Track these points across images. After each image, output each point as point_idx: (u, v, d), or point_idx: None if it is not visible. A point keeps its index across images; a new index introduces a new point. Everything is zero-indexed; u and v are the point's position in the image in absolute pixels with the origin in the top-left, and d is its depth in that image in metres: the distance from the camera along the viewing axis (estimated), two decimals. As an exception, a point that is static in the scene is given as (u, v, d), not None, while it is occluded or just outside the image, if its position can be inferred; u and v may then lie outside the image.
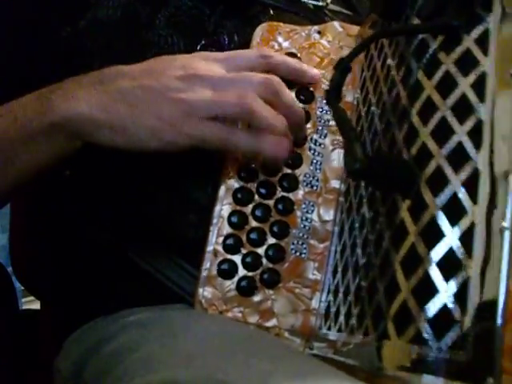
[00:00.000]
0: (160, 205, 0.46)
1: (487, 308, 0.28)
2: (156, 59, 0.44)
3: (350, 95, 0.47)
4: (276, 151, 0.42)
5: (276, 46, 0.48)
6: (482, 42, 0.32)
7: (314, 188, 0.45)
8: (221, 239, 0.43)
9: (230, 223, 0.43)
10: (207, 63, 0.43)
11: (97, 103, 0.42)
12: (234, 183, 0.45)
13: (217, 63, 0.43)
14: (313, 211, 0.45)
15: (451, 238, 0.29)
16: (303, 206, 0.45)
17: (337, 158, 0.46)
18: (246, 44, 0.50)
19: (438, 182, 0.30)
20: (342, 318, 0.37)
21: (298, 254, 0.44)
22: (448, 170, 0.30)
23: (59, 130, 0.43)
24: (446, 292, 0.29)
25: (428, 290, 0.29)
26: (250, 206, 0.44)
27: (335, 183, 0.45)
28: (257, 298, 0.43)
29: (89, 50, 0.49)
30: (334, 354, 0.38)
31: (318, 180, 0.45)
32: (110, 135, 0.42)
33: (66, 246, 0.51)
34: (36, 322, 0.60)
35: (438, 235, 0.29)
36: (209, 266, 0.43)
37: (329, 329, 0.39)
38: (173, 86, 0.41)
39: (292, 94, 0.46)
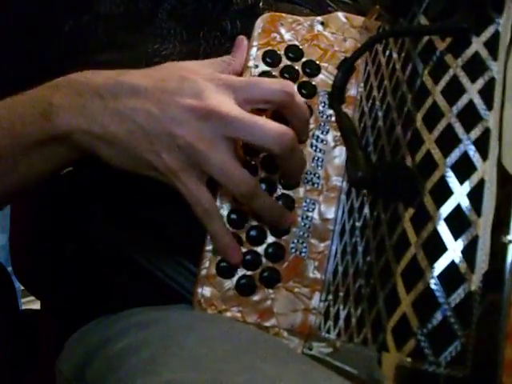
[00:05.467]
0: (161, 203, 0.45)
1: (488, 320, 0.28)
2: (165, 71, 0.41)
3: (353, 89, 0.46)
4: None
5: (278, 38, 0.47)
6: (492, 45, 0.30)
7: (316, 186, 0.44)
8: None
9: (230, 221, 0.43)
10: (223, 93, 0.39)
11: (95, 119, 0.40)
12: None
13: (232, 94, 0.39)
14: (314, 209, 0.44)
15: (454, 250, 0.29)
16: (304, 203, 0.44)
17: (339, 154, 0.45)
18: (248, 31, 0.49)
19: (442, 192, 0.29)
20: (341, 322, 0.37)
21: (297, 252, 0.43)
22: (453, 181, 0.29)
23: (60, 143, 0.42)
24: (446, 305, 0.28)
25: (428, 304, 0.29)
26: None
27: (337, 180, 0.44)
28: (256, 298, 0.42)
29: (92, 44, 0.48)
30: (332, 355, 0.37)
31: (319, 177, 0.44)
32: (108, 151, 0.40)
33: (66, 246, 0.51)
34: (36, 321, 0.60)
35: (441, 248, 0.29)
36: (208, 264, 0.42)
37: (328, 331, 0.39)
38: (178, 119, 0.38)
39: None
